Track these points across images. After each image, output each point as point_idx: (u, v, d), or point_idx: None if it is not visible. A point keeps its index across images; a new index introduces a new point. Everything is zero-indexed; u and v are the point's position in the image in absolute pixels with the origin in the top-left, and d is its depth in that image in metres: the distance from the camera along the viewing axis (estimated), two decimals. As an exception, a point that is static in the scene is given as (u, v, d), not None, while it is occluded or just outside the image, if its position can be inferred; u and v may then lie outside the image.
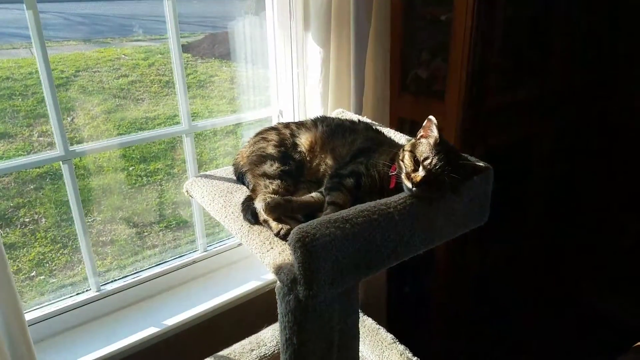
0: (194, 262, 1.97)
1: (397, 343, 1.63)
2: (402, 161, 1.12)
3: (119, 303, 1.80)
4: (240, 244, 2.09)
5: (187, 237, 2.24)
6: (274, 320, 1.81)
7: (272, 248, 1.09)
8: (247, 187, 1.35)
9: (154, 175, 2.71)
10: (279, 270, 1.03)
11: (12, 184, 2.22)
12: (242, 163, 1.38)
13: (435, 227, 1.15)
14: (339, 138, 1.33)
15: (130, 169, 2.68)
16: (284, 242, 1.10)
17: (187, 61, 3.28)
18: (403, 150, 1.15)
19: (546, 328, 2.42)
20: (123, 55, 3.38)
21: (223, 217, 1.25)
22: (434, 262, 2.10)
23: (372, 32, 1.74)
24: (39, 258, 2.13)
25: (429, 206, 1.11)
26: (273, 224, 1.13)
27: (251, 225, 1.18)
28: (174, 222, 2.42)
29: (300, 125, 1.40)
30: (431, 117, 1.12)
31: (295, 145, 1.34)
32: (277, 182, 1.24)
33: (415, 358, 1.57)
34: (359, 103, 1.75)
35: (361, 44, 1.69)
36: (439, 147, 1.10)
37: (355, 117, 1.54)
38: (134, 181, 2.63)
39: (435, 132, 1.12)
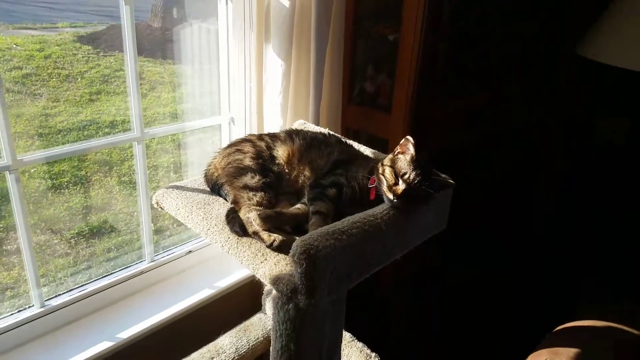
0: (141, 272, 1.92)
1: (356, 340, 1.73)
2: (383, 175, 1.22)
3: (65, 319, 1.71)
4: (190, 251, 2.06)
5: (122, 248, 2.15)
6: (229, 327, 1.84)
7: (265, 260, 1.13)
8: (225, 199, 1.36)
9: (59, 178, 2.54)
10: (277, 281, 1.07)
11: None
12: (216, 174, 1.39)
13: (410, 234, 1.27)
14: (316, 150, 1.40)
15: (32, 170, 2.48)
16: (277, 254, 1.15)
17: (88, 54, 3.03)
18: (382, 164, 1.25)
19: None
20: (14, 45, 3.10)
21: (205, 229, 1.26)
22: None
23: (329, 48, 1.82)
24: None
25: (406, 216, 1.22)
26: (265, 235, 1.17)
27: (239, 238, 1.21)
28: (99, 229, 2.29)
29: (274, 137, 1.45)
30: (408, 137, 1.23)
31: (272, 157, 1.38)
32: (261, 194, 1.27)
33: (374, 354, 1.68)
34: (317, 113, 1.83)
35: (320, 58, 1.76)
36: (416, 163, 1.21)
37: (320, 130, 1.62)
38: (37, 184, 2.44)
39: (411, 150, 1.23)
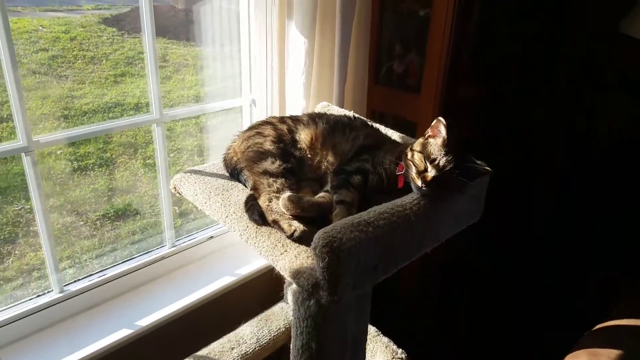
0: (162, 258, 1.87)
1: (381, 335, 1.66)
2: (412, 160, 1.13)
3: (84, 304, 1.68)
4: (211, 237, 2.01)
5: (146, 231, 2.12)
6: (251, 316, 1.78)
7: (285, 251, 1.06)
8: (245, 185, 1.29)
9: (84, 160, 2.52)
10: (297, 275, 1.00)
11: None
12: (235, 159, 1.32)
13: (442, 225, 1.17)
14: (340, 134, 1.31)
15: (59, 152, 2.48)
16: (297, 245, 1.07)
17: (112, 36, 3.01)
18: (411, 149, 1.16)
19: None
20: (40, 27, 3.08)
21: (223, 216, 1.19)
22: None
23: (354, 25, 1.71)
24: None
25: (437, 205, 1.13)
26: (285, 224, 1.09)
27: (258, 227, 1.14)
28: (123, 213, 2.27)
29: (297, 120, 1.36)
30: (440, 117, 1.13)
31: (294, 141, 1.30)
32: (281, 180, 1.19)
33: (400, 350, 1.60)
34: (341, 95, 1.73)
35: (346, 34, 1.66)
36: (448, 147, 1.11)
37: (345, 113, 1.53)
38: (62, 166, 2.44)
39: (443, 133, 1.13)
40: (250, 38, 1.85)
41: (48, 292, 1.64)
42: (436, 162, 1.09)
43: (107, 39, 2.90)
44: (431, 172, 1.08)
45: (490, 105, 2.15)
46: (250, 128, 1.37)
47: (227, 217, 1.19)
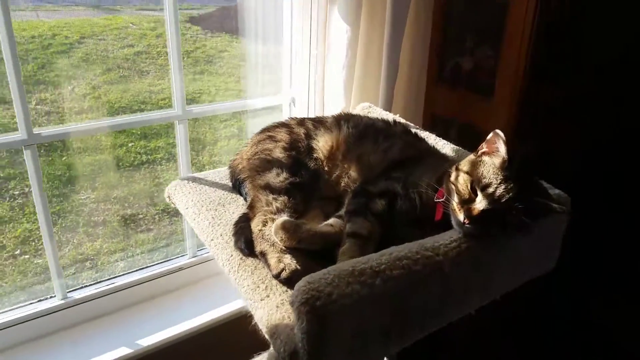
0: (180, 269, 1.68)
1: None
2: (455, 184, 0.82)
3: (86, 314, 1.52)
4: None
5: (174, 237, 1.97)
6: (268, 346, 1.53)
7: (267, 296, 0.79)
8: (245, 200, 1.04)
9: (153, 154, 2.48)
10: (273, 333, 0.73)
11: (4, 154, 2.01)
12: (240, 167, 1.07)
13: (493, 278, 0.85)
14: (369, 143, 1.02)
15: (130, 145, 2.45)
16: (285, 289, 0.80)
17: (196, 34, 3.02)
18: (457, 168, 0.84)
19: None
20: (131, 25, 3.14)
21: (209, 238, 0.95)
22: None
23: (411, 11, 1.41)
24: (25, 235, 1.92)
25: (486, 251, 0.81)
26: (273, 259, 0.83)
27: (243, 257, 0.88)
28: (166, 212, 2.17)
29: (319, 123, 1.09)
30: (498, 130, 0.81)
31: (310, 149, 1.03)
32: (283, 198, 0.93)
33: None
34: (390, 96, 1.43)
35: (398, 23, 1.36)
36: (508, 171, 0.79)
37: (387, 116, 1.23)
38: (132, 158, 2.41)
39: (502, 151, 0.81)
40: (292, 26, 1.60)
41: (50, 297, 1.50)
42: (489, 189, 0.77)
43: (191, 37, 2.95)
44: (480, 204, 0.77)
45: (582, 110, 1.72)
46: (263, 130, 1.12)
47: (212, 239, 0.94)
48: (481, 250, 0.79)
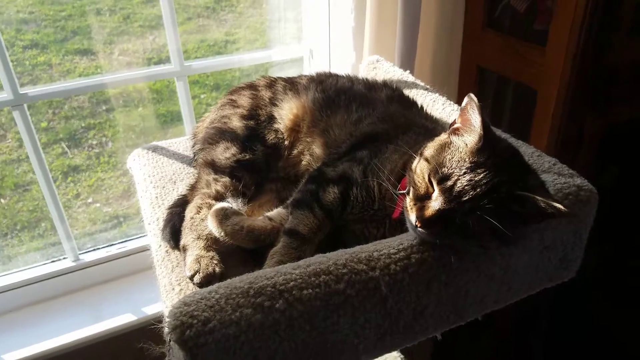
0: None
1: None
2: (412, 175, 0.61)
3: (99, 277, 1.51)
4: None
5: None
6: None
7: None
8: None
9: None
10: (169, 349, 0.60)
11: (87, 104, 2.07)
12: (200, 136, 0.93)
13: (474, 295, 0.64)
14: (340, 112, 0.82)
15: (202, 96, 2.44)
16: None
17: None
18: (421, 153, 0.63)
19: None
20: None
21: (146, 221, 0.83)
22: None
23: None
24: (98, 184, 1.99)
25: (457, 264, 0.60)
26: (191, 257, 0.69)
27: (170, 249, 0.75)
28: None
29: (292, 85, 0.90)
30: (471, 95, 0.58)
31: (271, 118, 0.85)
32: (225, 180, 0.78)
33: None
34: (408, 47, 1.18)
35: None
36: (481, 156, 0.56)
37: (393, 75, 1.01)
38: (203, 110, 2.42)
39: (477, 124, 0.58)
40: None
41: (64, 258, 1.50)
42: (447, 183, 0.56)
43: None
44: (435, 202, 0.56)
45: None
46: (230, 92, 0.96)
47: (149, 223, 0.82)
48: (441, 265, 0.59)
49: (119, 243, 1.56)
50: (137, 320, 1.41)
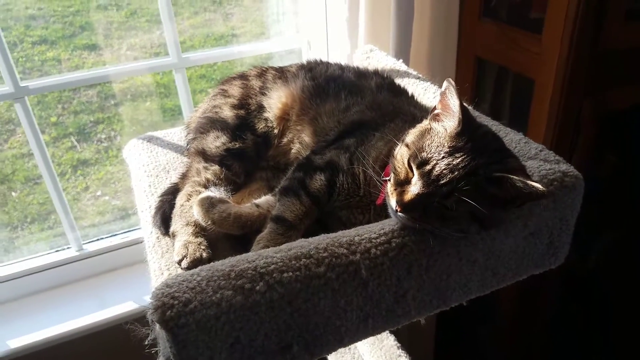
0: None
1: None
2: (395, 159, 0.62)
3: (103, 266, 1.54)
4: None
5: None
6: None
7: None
8: (189, 166, 0.92)
9: None
10: (159, 335, 0.62)
11: (95, 99, 2.10)
12: (193, 126, 0.94)
13: (445, 283, 0.65)
14: (329, 100, 0.83)
15: (209, 90, 2.47)
16: (188, 279, 0.68)
17: None
18: (403, 139, 0.64)
19: None
20: None
21: (140, 209, 0.85)
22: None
23: None
24: (107, 178, 2.02)
25: (438, 248, 0.61)
26: (180, 242, 0.71)
27: (160, 236, 0.77)
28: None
29: (281, 74, 0.91)
30: (450, 79, 0.59)
31: (260, 107, 0.86)
32: (214, 168, 0.79)
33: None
34: (403, 36, 1.19)
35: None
36: (460, 140, 0.57)
37: (386, 64, 1.01)
38: None
39: (455, 109, 0.59)
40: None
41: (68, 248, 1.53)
42: (426, 167, 0.57)
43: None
44: (414, 186, 0.57)
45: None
46: (222, 82, 0.97)
47: (142, 211, 0.84)
48: (421, 249, 0.60)
49: (122, 233, 1.58)
50: (139, 308, 1.44)
